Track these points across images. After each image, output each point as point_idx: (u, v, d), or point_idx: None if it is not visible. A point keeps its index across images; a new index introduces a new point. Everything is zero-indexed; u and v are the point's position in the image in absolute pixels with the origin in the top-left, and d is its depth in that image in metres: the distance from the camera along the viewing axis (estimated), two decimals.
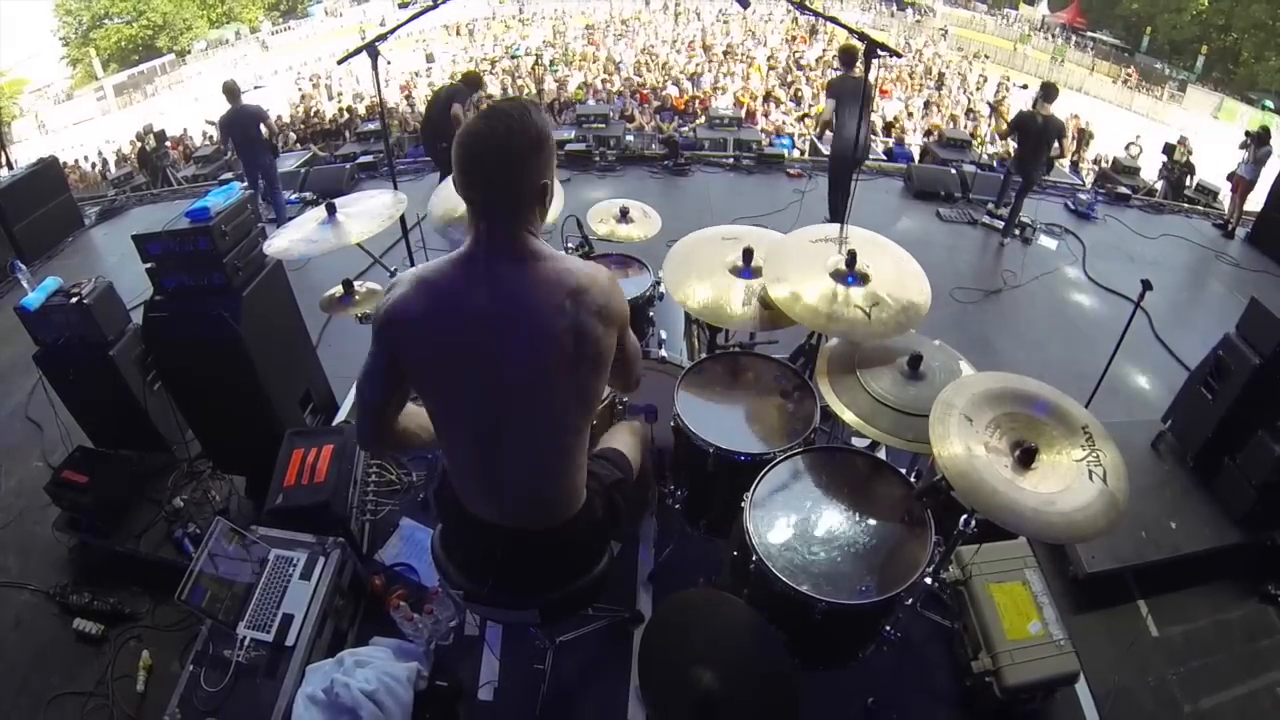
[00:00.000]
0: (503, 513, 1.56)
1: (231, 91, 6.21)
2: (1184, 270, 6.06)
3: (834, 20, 3.92)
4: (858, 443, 2.53)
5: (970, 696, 2.31)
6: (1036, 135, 5.67)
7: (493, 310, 1.35)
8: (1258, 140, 6.85)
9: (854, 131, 4.99)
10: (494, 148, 1.30)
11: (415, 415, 1.61)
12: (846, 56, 5.55)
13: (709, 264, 2.67)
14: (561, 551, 1.67)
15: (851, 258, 2.37)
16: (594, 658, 2.42)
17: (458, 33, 23.59)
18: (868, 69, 2.54)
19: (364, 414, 1.55)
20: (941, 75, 17.32)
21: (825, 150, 6.72)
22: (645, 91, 14.16)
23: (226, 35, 28.21)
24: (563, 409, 1.47)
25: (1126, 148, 10.70)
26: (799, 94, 14.04)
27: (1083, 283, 5.47)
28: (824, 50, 18.07)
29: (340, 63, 3.18)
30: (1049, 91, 5.78)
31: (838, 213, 5.51)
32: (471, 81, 6.36)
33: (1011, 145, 5.94)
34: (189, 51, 26.95)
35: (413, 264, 3.63)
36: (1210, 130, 16.33)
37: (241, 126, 6.18)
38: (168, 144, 10.14)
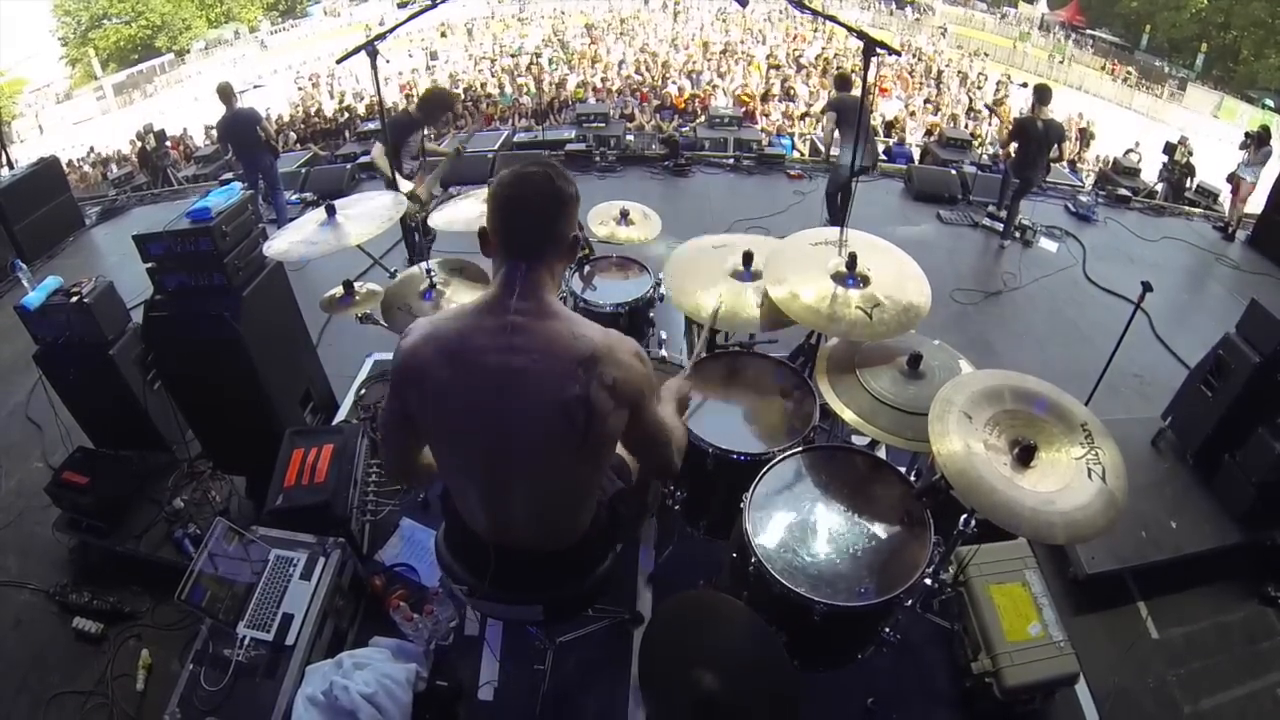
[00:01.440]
0: (509, 541, 1.58)
1: (226, 94, 6.20)
2: (1184, 273, 6.06)
3: (833, 19, 3.92)
4: (857, 441, 2.53)
5: (970, 697, 2.31)
6: (1038, 140, 5.60)
7: (505, 364, 1.33)
8: (1258, 141, 6.84)
9: (853, 152, 4.99)
10: (546, 190, 1.35)
11: None
12: (841, 82, 5.63)
13: (710, 271, 2.66)
14: (564, 561, 1.67)
15: (852, 260, 2.37)
16: (594, 658, 2.41)
17: (444, 34, 23.25)
18: (866, 67, 2.53)
19: (388, 454, 1.60)
20: (940, 73, 17.31)
21: (830, 154, 6.74)
22: (645, 91, 14.15)
23: (225, 35, 28.20)
24: (570, 469, 1.46)
25: (1126, 154, 10.67)
26: (792, 91, 14.02)
27: (1083, 284, 5.47)
28: (823, 49, 18.07)
29: (339, 62, 3.17)
30: (1043, 94, 5.70)
31: (837, 219, 5.51)
32: (435, 103, 4.61)
33: (1012, 148, 5.89)
34: (188, 51, 26.93)
35: (412, 264, 3.64)
36: (1210, 129, 16.33)
37: (238, 131, 6.17)
38: (168, 144, 10.13)
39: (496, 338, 1.33)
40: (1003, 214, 6.22)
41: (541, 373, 1.33)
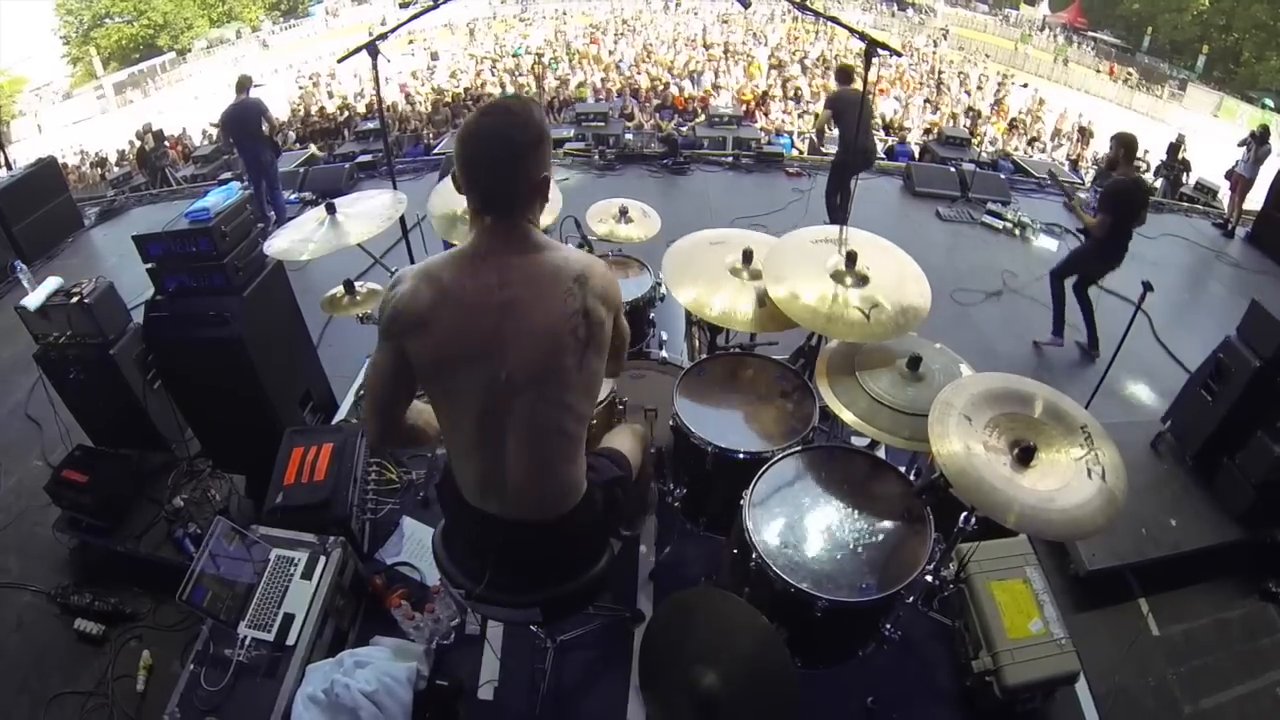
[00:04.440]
0: (504, 504, 1.56)
1: (241, 85, 6.16)
2: (1184, 271, 6.05)
3: (834, 20, 3.93)
4: (857, 442, 2.53)
5: (970, 695, 2.31)
6: (1140, 205, 4.20)
7: (503, 300, 1.39)
8: (1258, 139, 6.85)
9: (853, 138, 4.95)
10: (501, 142, 1.35)
11: (423, 412, 1.65)
12: (843, 75, 5.48)
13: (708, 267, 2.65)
14: (562, 544, 1.67)
15: (851, 259, 2.37)
16: (594, 657, 2.42)
17: (411, 42, 22.19)
18: (867, 68, 2.54)
19: (373, 412, 1.57)
20: (941, 74, 17.32)
21: (825, 149, 6.73)
22: (646, 91, 14.15)
23: (227, 34, 28.21)
24: (568, 393, 1.49)
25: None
26: (798, 91, 14.04)
27: None
28: (823, 50, 18.08)
29: (340, 61, 3.17)
30: (1130, 146, 4.22)
31: (837, 217, 5.50)
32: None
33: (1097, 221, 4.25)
34: (189, 50, 26.94)
35: (413, 264, 3.64)
36: (1210, 128, 16.34)
37: (242, 121, 6.15)
38: (166, 143, 10.14)
39: (493, 278, 1.39)
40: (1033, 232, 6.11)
41: (543, 297, 1.40)
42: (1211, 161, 8.97)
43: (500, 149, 1.36)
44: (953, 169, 7.33)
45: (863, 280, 2.36)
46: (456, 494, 1.63)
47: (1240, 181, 6.83)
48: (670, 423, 2.31)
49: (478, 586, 1.65)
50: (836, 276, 2.37)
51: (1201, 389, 3.19)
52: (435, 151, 9.10)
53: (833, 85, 5.94)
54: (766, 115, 12.63)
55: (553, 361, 1.43)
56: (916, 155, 9.65)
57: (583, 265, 1.45)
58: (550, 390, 1.46)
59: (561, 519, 1.60)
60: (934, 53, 20.23)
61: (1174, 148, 9.11)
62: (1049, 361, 4.46)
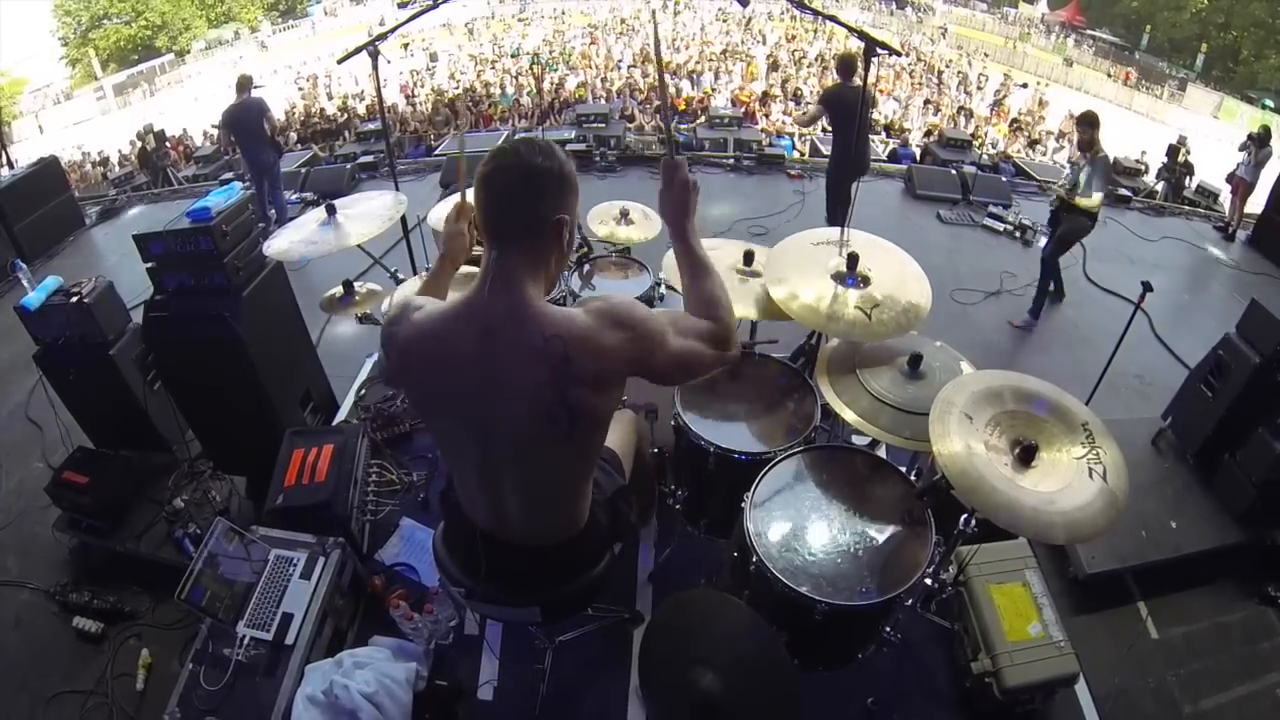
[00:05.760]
0: (507, 534, 1.58)
1: (242, 85, 6.16)
2: (1184, 272, 6.05)
3: (833, 19, 3.91)
4: (858, 441, 2.52)
5: (970, 697, 2.31)
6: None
7: (483, 379, 1.30)
8: (1258, 141, 6.84)
9: (851, 146, 4.89)
10: (519, 170, 1.27)
11: None
12: (845, 66, 5.22)
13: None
14: (565, 558, 1.67)
15: (852, 260, 2.36)
16: (594, 658, 2.41)
17: (405, 45, 21.63)
18: (867, 69, 2.52)
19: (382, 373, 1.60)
20: (941, 74, 17.32)
21: (825, 150, 6.69)
22: (646, 91, 14.16)
23: (225, 35, 28.23)
24: (559, 467, 1.45)
25: (1134, 163, 10.59)
26: (798, 92, 14.05)
27: (1082, 285, 5.46)
28: (822, 50, 18.09)
29: (340, 62, 3.17)
30: (1095, 120, 4.45)
31: (837, 221, 5.46)
32: None
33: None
34: (188, 51, 26.96)
35: (413, 267, 3.63)
36: (1211, 129, 16.33)
37: (243, 121, 6.15)
38: (167, 144, 10.14)
39: (474, 343, 1.30)
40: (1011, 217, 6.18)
41: (517, 381, 1.29)
42: (1212, 164, 8.95)
43: (515, 173, 1.27)
44: (954, 171, 7.33)
45: (864, 281, 2.35)
46: (459, 508, 1.64)
47: (1241, 185, 6.81)
48: (671, 423, 2.31)
49: (477, 584, 1.65)
50: (837, 278, 2.36)
51: (1202, 385, 3.19)
52: (437, 152, 9.11)
53: (834, 69, 5.71)
54: (768, 117, 12.64)
55: (534, 439, 1.35)
56: (918, 157, 9.64)
57: (569, 345, 1.25)
58: (538, 458, 1.40)
59: (567, 540, 1.62)
60: (932, 52, 20.22)
61: (1174, 150, 9.08)
62: (1049, 360, 4.45)
